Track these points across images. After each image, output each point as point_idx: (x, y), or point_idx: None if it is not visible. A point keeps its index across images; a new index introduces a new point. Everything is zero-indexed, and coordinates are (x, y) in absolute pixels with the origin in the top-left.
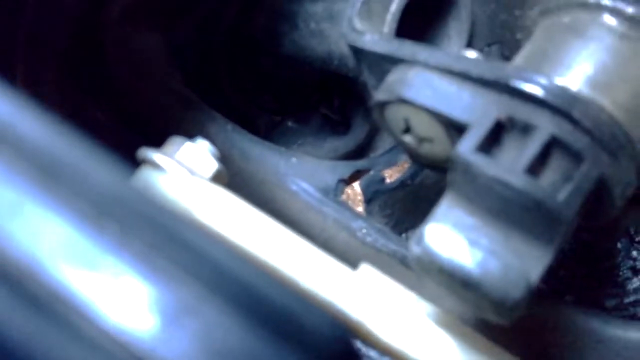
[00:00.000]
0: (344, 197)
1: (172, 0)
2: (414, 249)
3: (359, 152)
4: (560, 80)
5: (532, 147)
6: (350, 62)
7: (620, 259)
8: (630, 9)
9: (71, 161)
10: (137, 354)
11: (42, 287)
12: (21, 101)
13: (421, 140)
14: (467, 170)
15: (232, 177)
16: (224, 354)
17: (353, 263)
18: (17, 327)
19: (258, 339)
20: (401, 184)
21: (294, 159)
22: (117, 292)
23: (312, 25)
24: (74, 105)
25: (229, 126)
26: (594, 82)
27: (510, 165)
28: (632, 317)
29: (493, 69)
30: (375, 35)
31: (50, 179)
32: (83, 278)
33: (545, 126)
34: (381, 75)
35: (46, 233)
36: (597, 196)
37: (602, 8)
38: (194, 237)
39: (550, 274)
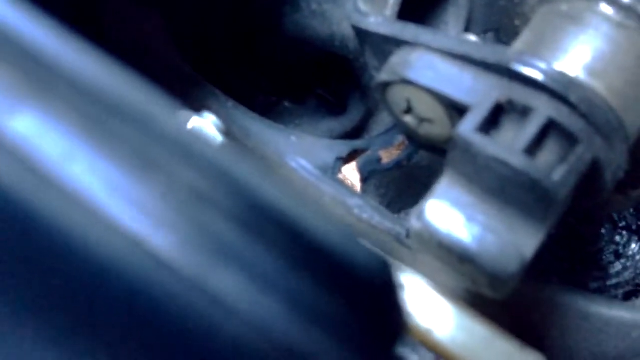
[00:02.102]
0: (340, 176)
1: None
2: (415, 224)
3: (355, 133)
4: (558, 66)
5: (530, 128)
6: (352, 43)
7: (604, 243)
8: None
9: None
10: (181, 290)
11: None
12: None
13: (421, 120)
14: (467, 149)
15: None
16: (266, 291)
17: None
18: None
19: (300, 277)
20: (397, 165)
21: (292, 137)
22: (160, 232)
23: (314, 6)
24: None
25: (230, 103)
26: (590, 69)
27: (508, 145)
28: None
29: (494, 53)
30: (379, 17)
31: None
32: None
33: (543, 109)
34: (384, 57)
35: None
36: (589, 178)
37: None
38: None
39: (536, 257)
